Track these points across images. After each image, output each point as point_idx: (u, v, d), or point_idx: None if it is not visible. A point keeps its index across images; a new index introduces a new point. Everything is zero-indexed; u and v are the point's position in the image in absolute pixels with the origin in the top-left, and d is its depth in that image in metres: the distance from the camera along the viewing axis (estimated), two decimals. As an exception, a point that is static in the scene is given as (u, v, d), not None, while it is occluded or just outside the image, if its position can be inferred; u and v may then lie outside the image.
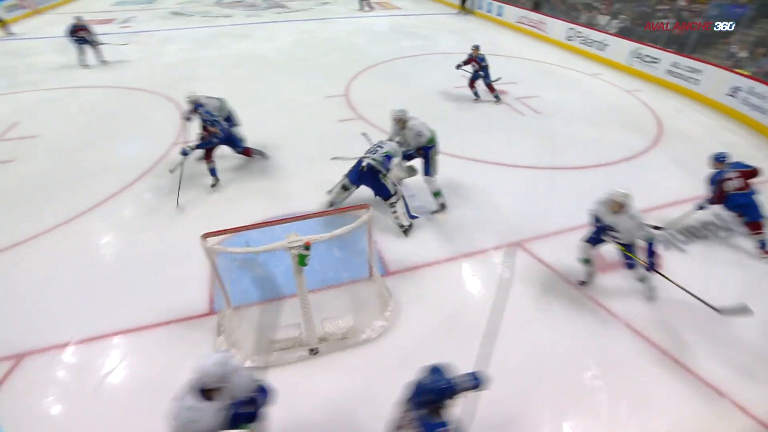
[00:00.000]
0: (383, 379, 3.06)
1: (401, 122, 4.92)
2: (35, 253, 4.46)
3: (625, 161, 6.33)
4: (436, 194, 5.03)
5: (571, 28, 11.84)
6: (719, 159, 4.59)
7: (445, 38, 12.82)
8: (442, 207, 5.06)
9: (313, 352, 3.35)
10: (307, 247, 2.89)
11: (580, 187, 5.62)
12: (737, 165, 4.51)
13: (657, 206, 5.19)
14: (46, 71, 9.79)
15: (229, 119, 5.93)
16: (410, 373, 2.26)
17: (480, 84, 8.13)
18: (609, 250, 4.46)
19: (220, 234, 3.13)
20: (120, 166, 5.99)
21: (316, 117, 7.46)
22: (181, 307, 3.76)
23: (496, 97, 8.15)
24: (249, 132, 6.25)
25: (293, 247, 2.88)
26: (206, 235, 3.05)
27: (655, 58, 9.54)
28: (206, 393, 2.12)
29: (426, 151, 4.89)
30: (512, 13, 14.13)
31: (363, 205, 3.50)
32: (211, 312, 3.74)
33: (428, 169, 4.96)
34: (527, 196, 5.45)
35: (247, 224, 3.46)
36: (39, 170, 5.97)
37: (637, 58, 9.98)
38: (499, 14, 14.73)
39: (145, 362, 3.36)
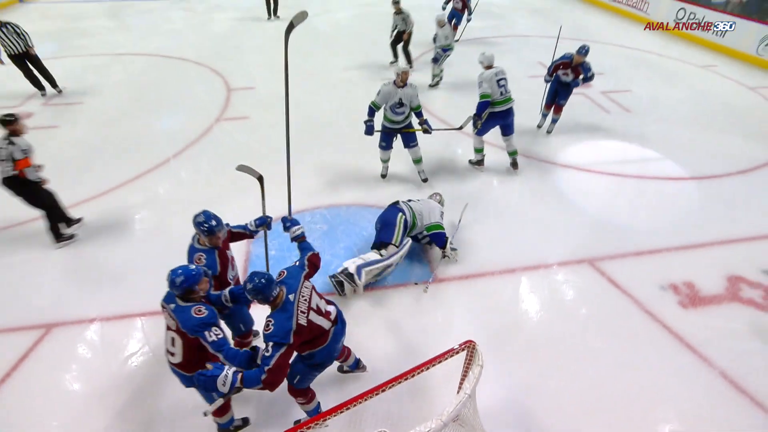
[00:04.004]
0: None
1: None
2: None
3: (739, 174, 5.86)
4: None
5: (682, 8, 11.06)
6: None
7: (522, 18, 12.46)
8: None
9: None
10: None
11: (673, 202, 5.30)
12: None
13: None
14: (95, 36, 10.52)
15: None
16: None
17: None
18: (704, 277, 4.17)
19: None
20: (160, 140, 6.33)
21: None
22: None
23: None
24: (295, 109, 6.35)
25: None
26: None
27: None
28: None
29: None
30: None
31: (468, 341, 2.53)
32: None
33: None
34: (606, 208, 5.19)
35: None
36: (79, 138, 6.42)
37: (768, 45, 9.21)
38: (591, -8, 14.14)
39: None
